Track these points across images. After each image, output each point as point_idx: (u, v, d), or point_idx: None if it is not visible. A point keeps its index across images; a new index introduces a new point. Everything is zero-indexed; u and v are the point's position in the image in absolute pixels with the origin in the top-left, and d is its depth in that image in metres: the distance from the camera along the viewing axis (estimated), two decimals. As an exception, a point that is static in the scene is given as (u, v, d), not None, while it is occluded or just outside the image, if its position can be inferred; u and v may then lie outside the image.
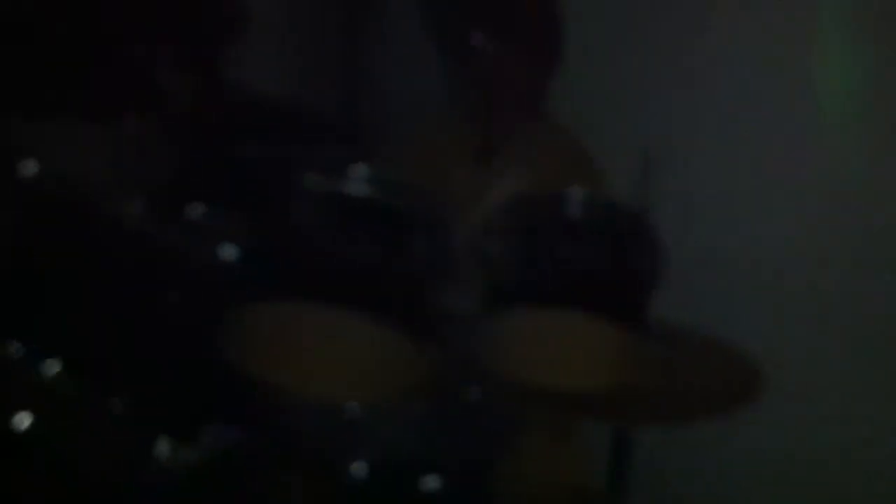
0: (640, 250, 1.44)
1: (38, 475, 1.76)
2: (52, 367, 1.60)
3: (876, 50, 1.92)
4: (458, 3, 2.03)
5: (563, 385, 1.52)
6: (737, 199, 2.16)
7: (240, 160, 1.95)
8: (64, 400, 1.67)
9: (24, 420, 1.72)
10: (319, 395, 1.61)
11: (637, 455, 2.07)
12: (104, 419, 1.67)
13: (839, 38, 1.96)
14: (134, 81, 1.88)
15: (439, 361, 1.53)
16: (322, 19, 3.30)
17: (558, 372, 1.50)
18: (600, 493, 2.14)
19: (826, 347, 2.06)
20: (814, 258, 2.04)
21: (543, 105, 2.11)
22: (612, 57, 2.37)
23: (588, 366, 1.49)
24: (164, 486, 1.61)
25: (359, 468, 1.74)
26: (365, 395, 1.63)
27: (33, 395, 1.68)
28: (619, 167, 2.06)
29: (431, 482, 1.68)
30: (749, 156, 2.12)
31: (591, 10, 2.34)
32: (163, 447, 1.59)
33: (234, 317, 1.45)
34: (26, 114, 1.92)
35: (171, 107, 1.76)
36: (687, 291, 2.14)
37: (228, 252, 1.53)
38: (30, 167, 1.86)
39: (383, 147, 2.28)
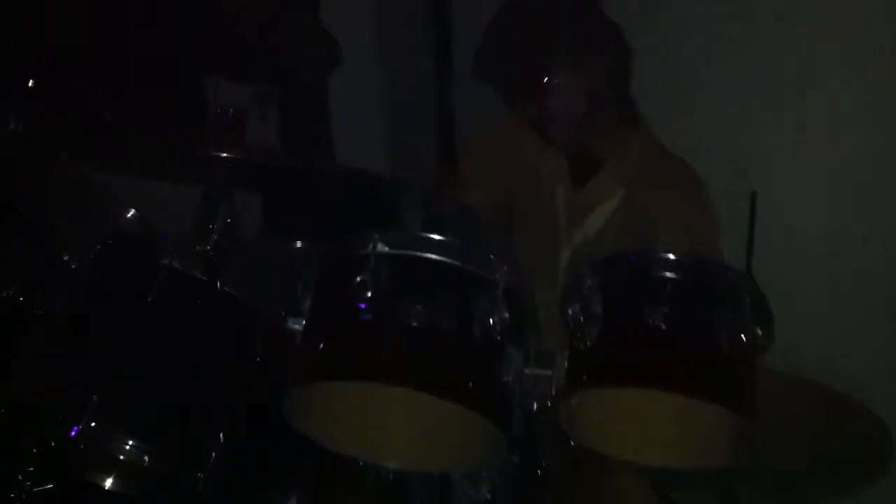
0: (744, 317, 1.27)
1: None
2: (129, 439, 1.55)
3: None
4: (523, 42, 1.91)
5: (659, 464, 1.37)
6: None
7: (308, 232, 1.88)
8: (142, 469, 1.62)
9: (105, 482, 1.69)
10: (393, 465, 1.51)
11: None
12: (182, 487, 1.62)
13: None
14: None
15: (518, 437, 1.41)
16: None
17: (652, 452, 1.35)
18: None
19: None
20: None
21: (630, 120, 1.97)
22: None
23: (685, 448, 1.33)
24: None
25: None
26: (438, 466, 1.51)
27: (113, 465, 1.64)
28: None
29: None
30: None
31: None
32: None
33: (307, 393, 1.36)
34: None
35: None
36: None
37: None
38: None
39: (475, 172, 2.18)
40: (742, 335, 1.26)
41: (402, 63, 3.26)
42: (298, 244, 2.10)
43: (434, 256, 1.35)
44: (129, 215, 1.91)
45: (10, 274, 1.79)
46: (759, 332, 1.27)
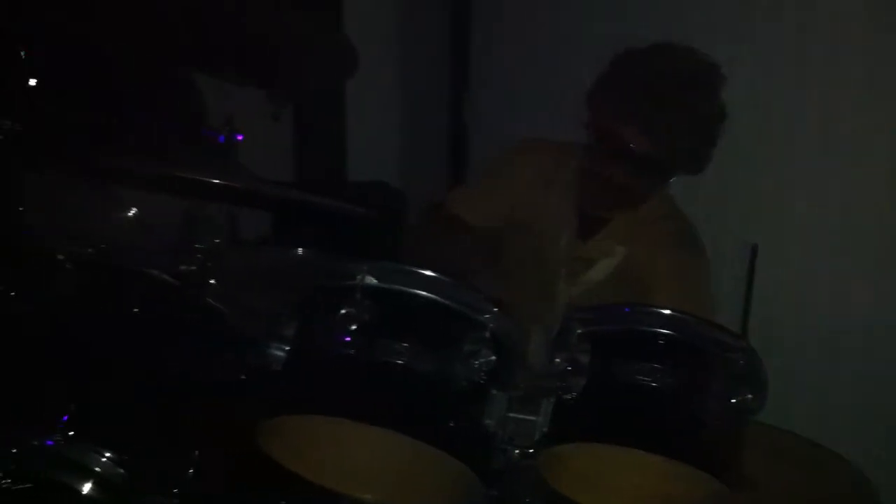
0: (735, 380, 1.23)
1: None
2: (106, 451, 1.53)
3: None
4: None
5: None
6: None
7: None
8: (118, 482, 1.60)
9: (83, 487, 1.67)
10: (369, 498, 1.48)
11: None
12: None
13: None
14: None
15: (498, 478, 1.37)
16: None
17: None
18: None
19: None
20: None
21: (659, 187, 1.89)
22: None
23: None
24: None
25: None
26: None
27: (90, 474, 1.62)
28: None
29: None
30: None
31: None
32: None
33: (283, 423, 1.34)
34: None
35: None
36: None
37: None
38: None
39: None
40: (731, 398, 1.22)
41: (420, 76, 3.24)
42: (300, 251, 2.07)
43: (422, 293, 1.31)
44: (129, 214, 1.89)
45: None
46: (750, 395, 1.23)
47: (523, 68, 2.82)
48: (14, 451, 1.69)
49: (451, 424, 1.29)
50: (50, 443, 1.52)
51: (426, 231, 2.08)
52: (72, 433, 1.52)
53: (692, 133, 1.75)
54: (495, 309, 1.32)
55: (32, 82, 1.75)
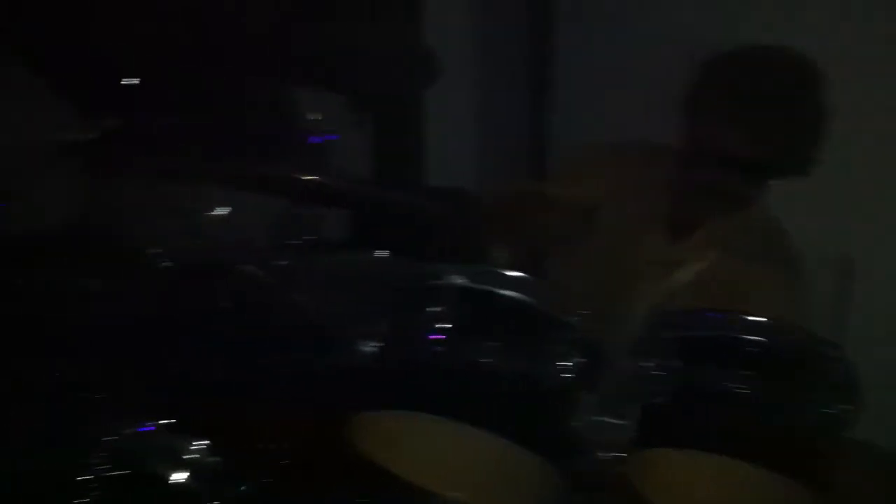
0: (830, 389, 1.21)
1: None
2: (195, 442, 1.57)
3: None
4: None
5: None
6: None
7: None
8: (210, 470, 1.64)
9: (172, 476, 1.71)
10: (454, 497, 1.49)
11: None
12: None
13: None
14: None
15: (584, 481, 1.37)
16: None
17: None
18: None
19: None
20: None
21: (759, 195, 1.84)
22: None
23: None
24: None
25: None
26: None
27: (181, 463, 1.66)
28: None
29: None
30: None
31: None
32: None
33: (373, 418, 1.36)
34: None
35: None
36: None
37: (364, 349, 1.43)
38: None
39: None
40: (826, 409, 1.20)
41: (501, 83, 3.25)
42: (387, 253, 2.10)
43: (511, 294, 1.32)
44: (222, 212, 1.94)
45: (95, 267, 1.82)
46: (846, 407, 1.21)
47: (604, 72, 2.81)
48: (111, 438, 1.78)
49: (539, 425, 1.30)
50: (146, 429, 1.56)
51: (506, 210, 2.04)
52: (168, 422, 1.58)
53: (797, 135, 1.70)
54: (585, 311, 1.33)
55: (131, 81, 1.81)
